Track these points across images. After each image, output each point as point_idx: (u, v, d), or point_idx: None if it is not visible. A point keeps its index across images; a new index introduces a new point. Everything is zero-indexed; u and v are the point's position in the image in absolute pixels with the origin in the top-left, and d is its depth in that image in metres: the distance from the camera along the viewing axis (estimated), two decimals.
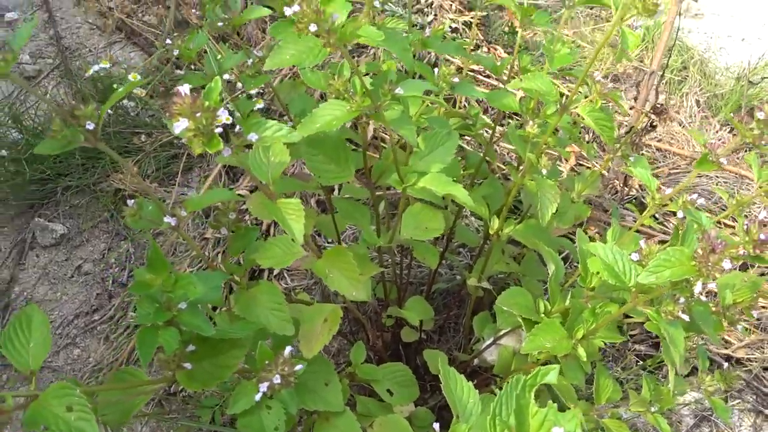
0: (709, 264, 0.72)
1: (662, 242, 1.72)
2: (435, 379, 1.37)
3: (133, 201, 0.88)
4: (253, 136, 0.72)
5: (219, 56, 1.57)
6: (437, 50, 1.16)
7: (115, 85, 1.98)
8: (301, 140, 0.87)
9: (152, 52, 2.36)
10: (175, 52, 1.22)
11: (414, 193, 0.98)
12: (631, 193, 1.83)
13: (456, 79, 1.05)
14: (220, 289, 0.99)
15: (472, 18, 2.26)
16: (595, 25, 2.21)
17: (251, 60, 1.20)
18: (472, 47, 2.27)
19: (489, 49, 2.27)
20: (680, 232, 1.07)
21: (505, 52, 2.28)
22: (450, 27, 2.32)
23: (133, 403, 1.00)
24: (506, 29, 2.30)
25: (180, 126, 0.65)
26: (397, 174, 0.99)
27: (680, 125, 2.19)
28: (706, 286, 0.76)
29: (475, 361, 1.30)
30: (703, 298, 0.80)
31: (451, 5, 2.36)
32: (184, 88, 0.66)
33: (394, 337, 1.45)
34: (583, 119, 1.08)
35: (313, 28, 0.79)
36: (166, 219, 0.85)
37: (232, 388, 1.00)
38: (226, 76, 1.57)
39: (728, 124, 2.26)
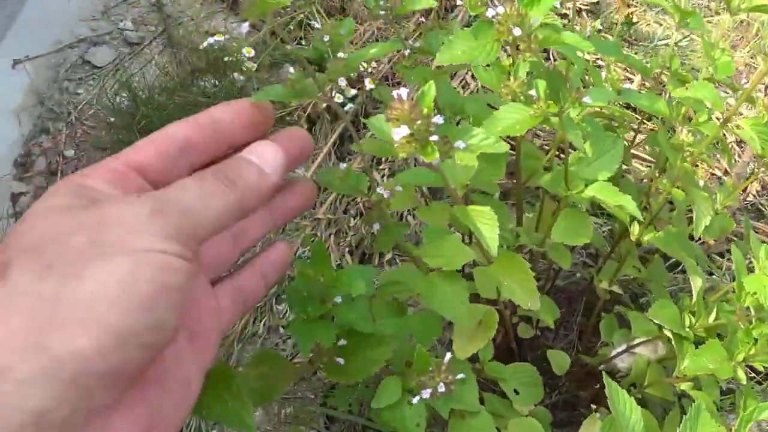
0: None
1: None
2: (550, 378, 1.37)
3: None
4: (460, 144, 0.71)
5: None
6: (596, 49, 1.13)
7: (226, 58, 2.00)
8: None
9: (255, 23, 2.36)
10: (326, 38, 1.22)
11: (581, 201, 0.97)
12: (747, 198, 1.78)
13: (627, 85, 1.03)
14: (373, 284, 1.00)
15: (583, 5, 2.21)
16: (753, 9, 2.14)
17: (407, 50, 1.18)
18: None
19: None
20: None
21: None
22: (557, 12, 2.27)
23: (276, 386, 1.01)
24: (618, 18, 2.24)
25: (400, 133, 0.64)
26: (563, 180, 0.97)
27: None
28: None
29: (602, 365, 1.29)
30: None
31: None
32: (402, 92, 0.66)
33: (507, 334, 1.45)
34: (740, 130, 1.06)
35: (517, 32, 0.78)
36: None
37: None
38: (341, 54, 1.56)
39: None
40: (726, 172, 1.86)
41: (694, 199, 1.08)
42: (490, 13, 0.81)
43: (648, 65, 1.25)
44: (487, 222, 0.77)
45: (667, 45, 2.26)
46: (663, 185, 1.15)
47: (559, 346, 1.47)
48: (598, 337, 1.35)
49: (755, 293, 1.00)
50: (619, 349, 1.20)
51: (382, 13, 1.16)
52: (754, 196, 1.78)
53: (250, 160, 0.57)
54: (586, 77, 1.29)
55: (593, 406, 1.27)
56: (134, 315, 0.43)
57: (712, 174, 1.85)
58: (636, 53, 2.21)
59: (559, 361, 1.27)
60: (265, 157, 0.58)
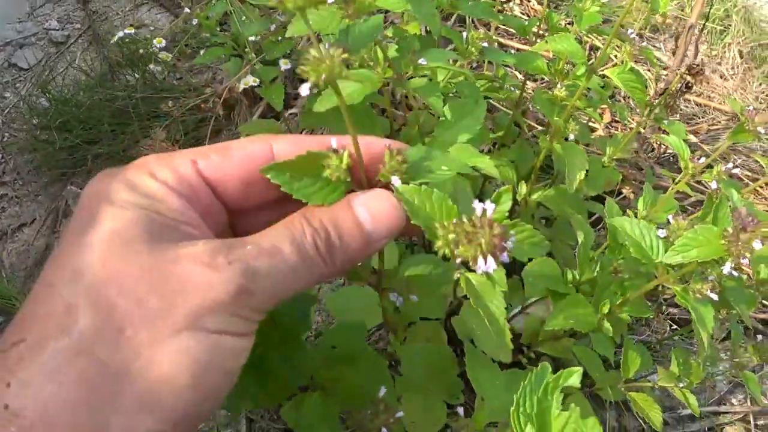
0: (740, 243, 0.69)
1: (699, 203, 1.67)
2: (460, 344, 1.36)
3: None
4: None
5: (244, 18, 1.54)
6: (466, 12, 1.11)
7: (141, 50, 1.97)
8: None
9: (178, 13, 2.33)
10: (194, 22, 1.20)
11: None
12: (669, 150, 1.77)
13: (485, 44, 1.01)
14: None
15: None
16: None
17: (274, 25, 1.17)
18: (503, 0, 2.20)
19: (522, 1, 2.20)
20: (714, 200, 1.04)
21: (538, 3, 2.20)
22: None
23: None
24: None
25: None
26: (421, 144, 0.96)
27: (722, 78, 2.10)
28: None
29: None
30: (735, 273, 0.76)
31: None
32: None
33: None
34: (610, 79, 1.05)
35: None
36: None
37: None
38: (252, 38, 1.55)
39: None
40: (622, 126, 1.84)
41: (566, 153, 1.07)
42: None
43: (527, 23, 1.24)
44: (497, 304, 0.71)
45: None
46: (543, 141, 1.14)
47: None
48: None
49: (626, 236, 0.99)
50: (515, 311, 1.20)
51: None
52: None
53: (360, 223, 0.49)
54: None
55: None
56: (199, 403, 0.42)
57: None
58: (560, 13, 2.18)
59: (462, 329, 1.26)
60: (379, 220, 0.50)
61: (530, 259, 1.51)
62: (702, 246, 0.71)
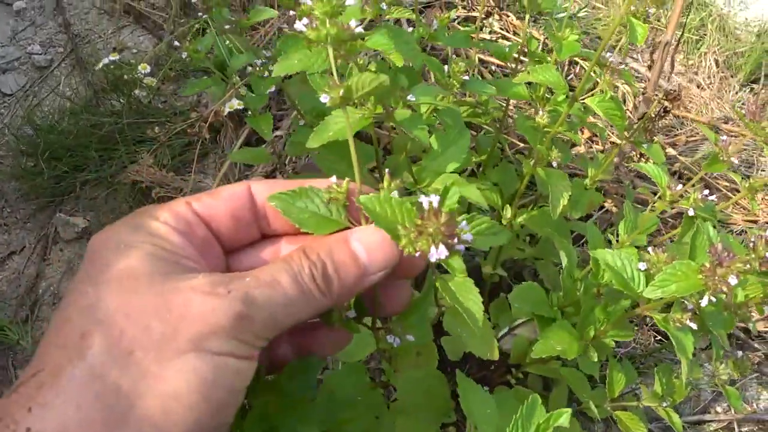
0: (716, 277, 0.72)
1: (679, 214, 1.71)
2: (453, 364, 1.39)
3: None
4: None
5: (227, 42, 1.55)
6: (445, 43, 1.14)
7: (125, 76, 1.98)
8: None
9: (161, 35, 2.34)
10: (184, 55, 1.22)
11: (428, 192, 0.98)
12: (649, 161, 1.80)
13: (466, 77, 1.04)
14: None
15: None
16: None
17: (260, 61, 1.19)
18: (483, 15, 2.23)
19: (500, 16, 2.23)
20: (694, 221, 1.07)
21: (516, 18, 2.24)
22: None
23: None
24: None
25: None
26: (410, 174, 0.99)
27: (698, 87, 2.14)
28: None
29: None
30: (713, 299, 0.79)
31: None
32: None
33: None
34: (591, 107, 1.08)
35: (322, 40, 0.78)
36: None
37: None
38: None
39: (748, 84, 2.21)
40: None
41: (549, 179, 1.10)
42: (297, 25, 0.81)
43: (507, 50, 1.26)
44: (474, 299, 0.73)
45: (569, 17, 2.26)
46: (527, 166, 1.17)
47: None
48: None
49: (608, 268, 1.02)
50: (503, 332, 1.23)
51: (227, 27, 1.17)
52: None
53: (356, 256, 0.52)
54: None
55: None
56: (208, 419, 0.45)
57: (613, 143, 1.87)
58: (539, 27, 2.21)
59: (452, 347, 1.29)
60: (374, 253, 0.53)
61: (514, 282, 1.54)
62: (681, 281, 0.74)
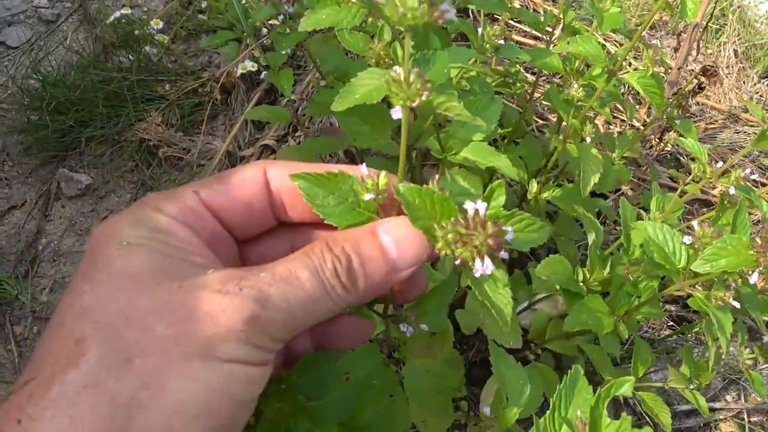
0: None
1: (702, 203, 1.69)
2: (466, 336, 1.36)
3: None
4: None
5: (243, 1, 1.51)
6: (479, 6, 1.10)
7: (136, 31, 1.94)
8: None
9: None
10: (203, 4, 1.18)
11: (456, 161, 0.95)
12: (666, 148, 1.78)
13: (501, 41, 1.01)
14: None
15: None
16: None
17: (281, 16, 1.15)
18: None
19: None
20: (726, 204, 1.04)
21: None
22: None
23: None
24: None
25: None
26: (437, 141, 0.95)
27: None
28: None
29: None
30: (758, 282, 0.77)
31: None
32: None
33: None
34: (630, 83, 1.05)
35: None
36: None
37: None
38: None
39: (766, 76, 2.19)
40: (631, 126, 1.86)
41: (582, 155, 1.07)
42: None
43: (542, 18, 1.23)
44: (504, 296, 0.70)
45: None
46: (556, 141, 1.14)
47: None
48: None
49: (642, 245, 1.00)
50: (522, 306, 1.20)
51: None
52: (672, 145, 1.78)
53: (384, 249, 0.48)
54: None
55: None
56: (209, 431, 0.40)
57: (632, 125, 1.84)
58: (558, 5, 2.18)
59: (468, 321, 1.26)
60: (404, 247, 0.48)
61: (529, 258, 1.52)
62: (731, 256, 0.71)
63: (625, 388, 0.56)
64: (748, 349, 1.08)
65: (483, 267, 0.45)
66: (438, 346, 1.09)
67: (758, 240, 0.71)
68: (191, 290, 0.41)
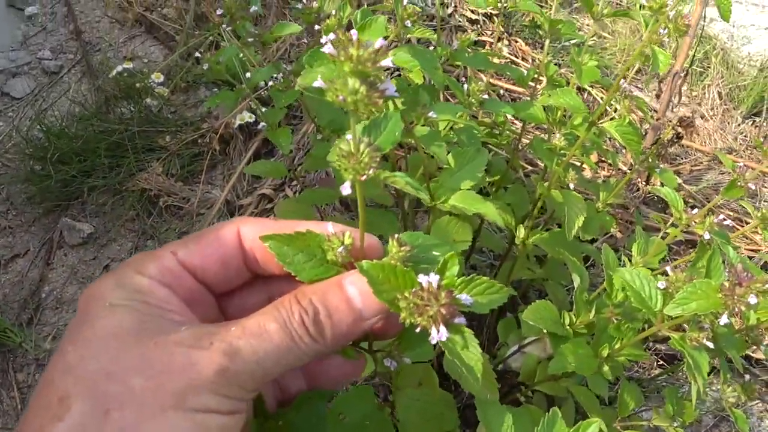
0: (735, 297, 0.73)
1: (689, 243, 1.73)
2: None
3: None
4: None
5: (241, 55, 1.57)
6: (465, 63, 1.16)
7: (137, 84, 2.00)
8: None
9: (172, 46, 2.37)
10: (205, 66, 1.23)
11: (445, 209, 1.00)
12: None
13: (485, 96, 1.06)
14: None
15: (493, 11, 2.25)
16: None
17: (280, 74, 1.20)
18: (491, 41, 2.27)
19: (510, 42, 2.26)
20: (707, 247, 1.09)
21: (525, 44, 2.27)
22: (469, 19, 2.31)
23: None
24: (527, 22, 2.28)
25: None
26: (427, 190, 1.00)
27: (702, 118, 2.18)
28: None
29: (500, 365, 1.32)
30: (727, 320, 0.81)
31: None
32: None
33: None
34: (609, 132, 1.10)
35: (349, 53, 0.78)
36: None
37: None
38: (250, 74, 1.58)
39: (750, 117, 2.25)
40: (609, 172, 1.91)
41: (566, 200, 1.12)
42: (324, 40, 0.82)
43: (526, 74, 1.29)
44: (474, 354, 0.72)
45: (577, 45, 2.31)
46: (541, 188, 1.18)
47: None
48: None
49: (623, 288, 1.04)
50: (513, 350, 1.24)
51: (250, 40, 1.18)
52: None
53: (350, 299, 0.51)
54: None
55: None
56: None
57: (619, 169, 1.89)
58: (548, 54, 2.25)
59: (453, 366, 1.29)
60: (370, 298, 0.50)
61: (525, 293, 1.56)
62: (701, 299, 0.75)
63: (593, 428, 0.60)
64: (731, 387, 1.11)
65: (438, 334, 0.48)
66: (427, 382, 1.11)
67: (726, 284, 0.75)
68: (166, 346, 0.45)
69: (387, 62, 0.45)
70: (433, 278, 0.50)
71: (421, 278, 0.50)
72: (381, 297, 0.49)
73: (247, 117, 1.80)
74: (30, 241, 1.92)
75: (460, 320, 0.50)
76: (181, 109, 2.07)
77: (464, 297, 0.51)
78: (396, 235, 0.56)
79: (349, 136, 0.47)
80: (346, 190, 0.47)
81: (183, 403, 0.43)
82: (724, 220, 0.98)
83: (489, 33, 2.28)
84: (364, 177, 0.46)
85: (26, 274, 1.85)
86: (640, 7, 1.00)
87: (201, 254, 0.53)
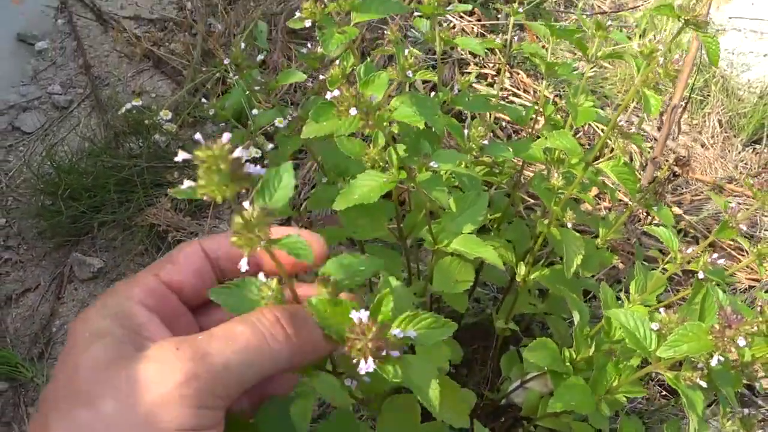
0: (725, 339, 0.76)
1: (685, 273, 1.75)
2: None
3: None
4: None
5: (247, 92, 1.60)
6: (465, 107, 1.20)
7: (146, 121, 2.04)
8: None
9: (179, 80, 2.41)
10: (211, 112, 1.27)
11: (446, 251, 1.03)
12: (655, 220, 1.85)
13: (485, 141, 1.09)
14: None
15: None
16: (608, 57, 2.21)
17: (286, 120, 1.23)
18: (493, 73, 2.31)
19: (511, 74, 2.30)
20: (703, 284, 1.11)
21: (527, 76, 2.31)
22: (471, 52, 2.35)
23: None
24: (528, 54, 2.32)
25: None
26: (429, 234, 1.03)
27: (702, 147, 2.21)
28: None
29: (504, 400, 1.34)
30: (722, 359, 0.83)
31: (472, 29, 2.39)
32: None
33: None
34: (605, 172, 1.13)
35: (353, 111, 0.82)
36: None
37: None
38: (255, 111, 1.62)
39: (750, 144, 2.28)
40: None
41: (564, 238, 1.15)
42: (328, 96, 0.86)
43: (524, 113, 1.32)
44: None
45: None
46: (541, 226, 1.21)
47: (473, 382, 1.52)
48: None
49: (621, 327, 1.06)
50: (515, 385, 1.26)
51: (256, 89, 1.22)
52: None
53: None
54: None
55: None
56: None
57: (620, 200, 1.92)
58: (548, 86, 2.28)
59: (467, 398, 1.32)
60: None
61: (523, 335, 1.58)
62: (692, 341, 0.78)
63: None
64: (730, 422, 1.13)
65: (366, 366, 0.52)
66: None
67: (716, 326, 0.78)
68: (132, 366, 0.45)
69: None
70: (363, 314, 0.54)
71: (353, 314, 0.53)
72: (328, 330, 0.54)
73: (254, 152, 1.83)
74: (41, 275, 1.95)
75: (394, 353, 0.54)
76: (188, 144, 2.11)
77: (410, 332, 0.57)
78: (332, 277, 0.60)
79: (246, 203, 0.50)
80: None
81: (153, 421, 0.43)
82: (716, 254, 1.01)
83: (491, 65, 2.32)
84: (258, 248, 0.48)
85: (37, 309, 1.88)
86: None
87: (179, 271, 0.57)
